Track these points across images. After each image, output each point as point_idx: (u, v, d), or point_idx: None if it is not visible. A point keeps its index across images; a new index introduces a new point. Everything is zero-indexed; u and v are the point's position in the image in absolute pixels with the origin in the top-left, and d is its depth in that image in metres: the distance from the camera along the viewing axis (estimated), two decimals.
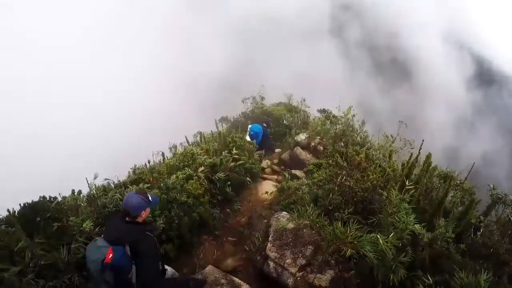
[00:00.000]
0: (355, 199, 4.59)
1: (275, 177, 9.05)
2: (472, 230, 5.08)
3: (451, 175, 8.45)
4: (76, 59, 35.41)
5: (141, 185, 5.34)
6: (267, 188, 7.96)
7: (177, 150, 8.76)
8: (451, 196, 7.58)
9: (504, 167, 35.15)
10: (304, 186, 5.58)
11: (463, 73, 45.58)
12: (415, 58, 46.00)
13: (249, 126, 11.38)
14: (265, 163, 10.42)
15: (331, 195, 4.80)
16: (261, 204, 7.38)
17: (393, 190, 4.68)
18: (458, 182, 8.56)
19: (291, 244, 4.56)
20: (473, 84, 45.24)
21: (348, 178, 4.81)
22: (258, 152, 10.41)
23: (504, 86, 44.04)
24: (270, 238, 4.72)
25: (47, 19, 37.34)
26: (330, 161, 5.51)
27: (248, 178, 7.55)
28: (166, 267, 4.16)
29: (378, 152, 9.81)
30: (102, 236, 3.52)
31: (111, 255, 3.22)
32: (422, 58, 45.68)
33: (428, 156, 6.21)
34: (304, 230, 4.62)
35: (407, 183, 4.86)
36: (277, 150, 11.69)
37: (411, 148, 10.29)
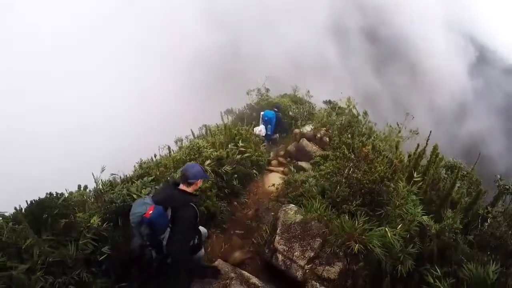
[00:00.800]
0: (362, 191, 4.56)
1: (281, 169, 9.01)
2: (480, 221, 5.05)
3: (459, 166, 8.41)
4: (76, 58, 35.48)
5: (145, 178, 5.32)
6: (274, 180, 7.93)
7: (183, 144, 8.76)
8: (458, 187, 7.55)
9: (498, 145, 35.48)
10: (311, 179, 5.54)
11: (464, 60, 45.29)
12: (415, 47, 45.71)
13: (261, 113, 11.38)
14: (271, 154, 10.40)
15: (338, 187, 4.78)
16: (268, 196, 7.36)
17: (400, 182, 4.65)
18: (465, 172, 8.52)
19: (299, 236, 4.54)
20: (474, 70, 45.04)
21: (356, 170, 4.77)
22: (274, 137, 10.46)
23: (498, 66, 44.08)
24: (278, 231, 4.70)
25: (46, 18, 37.35)
26: (337, 153, 5.48)
27: (254, 171, 7.54)
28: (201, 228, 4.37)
29: (384, 143, 9.77)
30: (151, 195, 3.82)
31: (151, 211, 3.54)
32: (423, 46, 45.37)
33: (435, 147, 6.15)
34: (312, 223, 4.59)
35: (415, 174, 4.81)
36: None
37: (416, 134, 10.25)
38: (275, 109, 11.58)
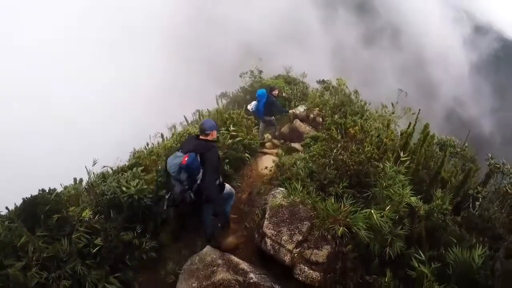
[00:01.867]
0: (348, 173, 4.56)
1: (275, 151, 9.01)
2: (471, 200, 5.05)
3: (451, 143, 8.40)
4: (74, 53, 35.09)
5: (135, 169, 5.35)
6: (267, 163, 7.93)
7: (175, 131, 8.76)
8: (452, 164, 7.54)
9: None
10: (300, 161, 5.54)
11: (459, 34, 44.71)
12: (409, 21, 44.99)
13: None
14: (265, 137, 10.38)
15: (327, 169, 4.78)
16: (261, 179, 7.39)
17: (387, 162, 4.65)
18: (458, 150, 8.50)
19: (287, 220, 4.58)
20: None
21: (342, 152, 4.77)
22: (268, 119, 10.22)
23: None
24: (266, 216, 4.74)
25: (46, 17, 36.74)
26: (324, 135, 5.47)
27: (247, 154, 7.54)
28: (226, 184, 5.36)
29: (377, 121, 9.72)
30: (180, 150, 4.70)
31: (186, 158, 4.41)
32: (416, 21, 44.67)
33: (426, 126, 6.11)
34: (300, 206, 4.62)
35: (401, 154, 4.80)
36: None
37: (410, 112, 10.19)
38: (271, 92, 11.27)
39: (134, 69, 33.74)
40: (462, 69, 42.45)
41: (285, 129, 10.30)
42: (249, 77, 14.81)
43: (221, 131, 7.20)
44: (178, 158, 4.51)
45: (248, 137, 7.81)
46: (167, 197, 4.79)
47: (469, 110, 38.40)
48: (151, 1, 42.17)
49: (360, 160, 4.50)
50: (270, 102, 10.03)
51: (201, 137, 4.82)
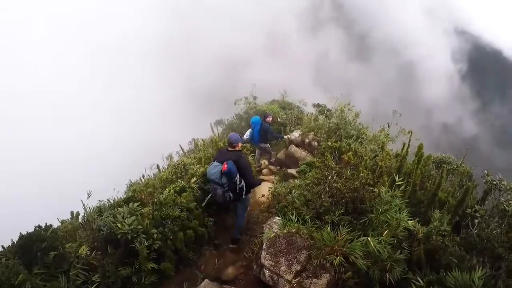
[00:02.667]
0: (343, 200, 4.57)
1: (272, 177, 9.03)
2: (470, 219, 5.04)
3: (447, 160, 8.41)
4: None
5: (131, 204, 5.33)
6: (264, 190, 7.91)
7: (171, 161, 8.78)
8: (449, 181, 7.55)
9: None
10: (295, 190, 5.56)
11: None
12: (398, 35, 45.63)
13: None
14: (262, 163, 10.39)
15: (322, 197, 4.79)
16: (259, 207, 7.37)
17: (383, 187, 4.67)
18: (455, 166, 8.51)
19: (285, 250, 4.54)
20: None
21: (337, 179, 4.79)
22: (263, 146, 10.22)
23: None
24: (264, 246, 4.72)
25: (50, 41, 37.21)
26: (317, 163, 5.50)
27: None
28: None
29: (373, 143, 9.80)
30: (215, 161, 5.83)
31: (226, 165, 5.54)
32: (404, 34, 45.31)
33: (420, 147, 6.17)
34: (297, 235, 4.60)
35: (396, 178, 4.83)
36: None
37: (408, 133, 10.27)
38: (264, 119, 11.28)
39: (127, 99, 33.93)
40: (445, 76, 43.01)
41: (281, 155, 10.33)
42: (244, 103, 14.93)
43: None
44: (217, 167, 5.65)
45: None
46: (207, 198, 6.18)
47: (452, 114, 38.72)
48: (127, 23, 42.40)
49: (354, 187, 4.51)
50: (264, 129, 10.08)
51: (229, 149, 5.95)
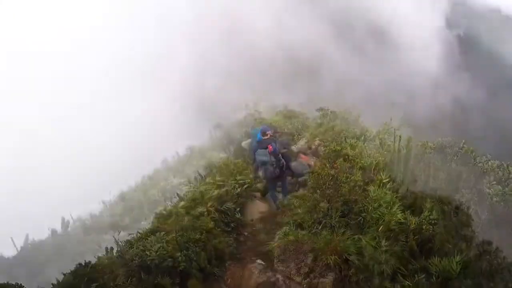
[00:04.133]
0: (338, 203, 5.10)
1: None
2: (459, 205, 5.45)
3: (449, 144, 8.77)
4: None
5: (158, 234, 6.02)
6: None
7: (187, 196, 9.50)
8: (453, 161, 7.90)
9: None
10: (296, 200, 6.10)
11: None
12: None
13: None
14: None
15: (320, 204, 5.33)
16: (272, 216, 7.91)
17: (372, 187, 5.18)
18: (457, 148, 8.84)
19: (294, 256, 5.12)
20: None
21: (331, 184, 5.32)
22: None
23: None
24: (276, 254, 5.29)
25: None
26: (318, 170, 6.02)
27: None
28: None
29: (377, 138, 10.25)
30: (259, 149, 7.41)
31: (271, 147, 7.15)
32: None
33: (409, 140, 6.59)
34: (302, 242, 5.16)
35: (383, 177, 5.32)
36: None
37: (408, 127, 10.65)
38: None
39: (126, 104, 34.10)
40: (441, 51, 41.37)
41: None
42: (245, 117, 15.29)
43: (229, 182, 7.89)
44: (263, 151, 7.26)
45: (256, 180, 8.41)
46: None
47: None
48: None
49: (344, 191, 5.04)
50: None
51: (264, 137, 7.43)
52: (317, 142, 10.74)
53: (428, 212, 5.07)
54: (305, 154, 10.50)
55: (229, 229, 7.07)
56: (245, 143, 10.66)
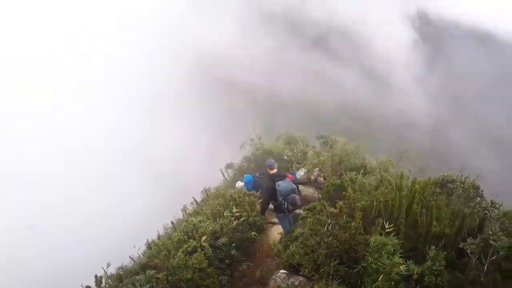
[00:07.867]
0: (337, 250, 4.88)
1: None
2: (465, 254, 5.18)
3: (449, 179, 8.53)
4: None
5: (148, 272, 5.79)
6: (275, 236, 8.22)
7: (186, 212, 9.31)
8: (457, 197, 7.65)
9: None
10: (292, 243, 5.89)
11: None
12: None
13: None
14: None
15: (318, 249, 5.10)
16: (271, 254, 7.65)
17: (373, 236, 4.97)
18: (458, 183, 8.60)
19: None
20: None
21: (330, 230, 5.10)
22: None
23: None
24: None
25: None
26: (318, 207, 5.80)
27: (253, 233, 7.82)
28: None
29: (377, 171, 10.07)
30: (279, 181, 7.32)
31: (291, 176, 8.33)
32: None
33: (414, 182, 6.38)
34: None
35: (386, 225, 5.12)
36: None
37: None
38: (257, 175, 11.02)
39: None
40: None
41: None
42: (250, 145, 15.33)
43: (225, 214, 7.67)
44: (287, 181, 7.43)
45: (253, 214, 8.16)
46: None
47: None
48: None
49: (344, 239, 4.83)
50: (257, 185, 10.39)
51: (275, 170, 7.55)
52: (316, 172, 10.57)
53: (431, 261, 4.84)
54: (305, 184, 10.32)
55: (223, 266, 6.82)
56: (238, 185, 10.58)
